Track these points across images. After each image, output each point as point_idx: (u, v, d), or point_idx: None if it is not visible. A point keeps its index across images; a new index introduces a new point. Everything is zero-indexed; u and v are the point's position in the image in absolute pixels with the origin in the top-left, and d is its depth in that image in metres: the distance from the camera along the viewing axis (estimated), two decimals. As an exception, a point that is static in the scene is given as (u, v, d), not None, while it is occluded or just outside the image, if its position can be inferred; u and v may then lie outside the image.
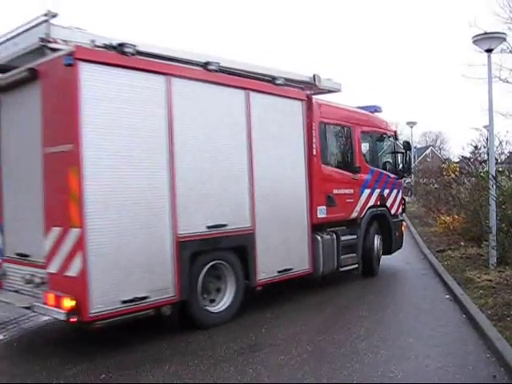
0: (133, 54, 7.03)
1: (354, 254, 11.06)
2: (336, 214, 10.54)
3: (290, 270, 9.23)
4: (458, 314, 8.49)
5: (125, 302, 6.64)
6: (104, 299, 6.43)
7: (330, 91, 10.99)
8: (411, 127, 37.91)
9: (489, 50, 11.38)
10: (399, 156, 13.24)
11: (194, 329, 7.73)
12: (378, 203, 11.94)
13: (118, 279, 6.60)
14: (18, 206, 7.50)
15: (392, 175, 12.60)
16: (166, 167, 7.28)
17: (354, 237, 11.12)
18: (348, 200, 10.95)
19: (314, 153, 9.95)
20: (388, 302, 9.77)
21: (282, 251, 9.11)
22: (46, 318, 8.06)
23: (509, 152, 15.66)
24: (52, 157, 6.69)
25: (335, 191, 10.47)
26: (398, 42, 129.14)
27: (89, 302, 6.27)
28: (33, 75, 6.90)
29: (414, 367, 6.15)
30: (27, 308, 7.04)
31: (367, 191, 11.55)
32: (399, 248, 13.13)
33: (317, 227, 10.02)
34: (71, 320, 6.25)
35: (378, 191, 11.92)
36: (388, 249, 12.60)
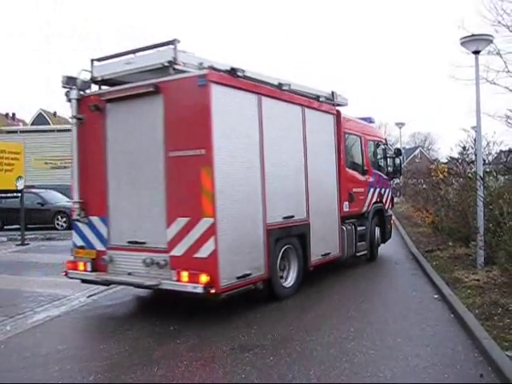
0: (241, 77, 8.63)
1: (364, 242, 13.21)
2: (354, 209, 12.64)
3: (328, 254, 11.21)
4: (447, 313, 8.54)
5: (238, 277, 8.14)
6: (226, 275, 7.86)
7: (339, 105, 12.43)
8: (400, 128, 38.12)
9: (476, 52, 11.46)
10: (390, 160, 15.66)
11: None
12: (378, 200, 14.20)
13: (233, 259, 8.06)
14: (130, 202, 8.67)
15: (385, 176, 15.00)
16: (260, 170, 8.91)
17: (364, 228, 13.20)
18: (361, 197, 13.12)
19: (341, 158, 12.01)
20: (377, 302, 9.83)
21: (324, 238, 11.01)
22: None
23: (496, 153, 15.75)
24: (178, 159, 8.02)
25: (354, 190, 12.61)
26: (386, 44, 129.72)
27: (219, 277, 7.70)
28: (156, 90, 8.17)
29: (403, 367, 6.17)
30: (154, 286, 8.17)
31: (372, 190, 13.81)
32: (389, 238, 15.38)
33: (342, 219, 11.89)
34: (210, 292, 7.59)
35: (378, 190, 14.21)
36: (382, 238, 14.81)
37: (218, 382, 5.97)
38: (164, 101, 8.20)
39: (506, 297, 8.55)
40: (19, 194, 18.68)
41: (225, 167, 8.00)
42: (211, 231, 7.72)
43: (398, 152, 16.38)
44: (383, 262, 14.22)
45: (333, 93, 12.07)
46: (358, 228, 12.75)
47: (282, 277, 9.69)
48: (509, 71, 13.96)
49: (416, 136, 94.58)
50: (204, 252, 7.76)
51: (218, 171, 7.82)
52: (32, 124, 70.40)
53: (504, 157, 17.51)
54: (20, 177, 18.64)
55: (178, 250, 8.00)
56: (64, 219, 22.77)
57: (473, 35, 11.53)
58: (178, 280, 7.83)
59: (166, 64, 8.13)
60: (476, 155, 12.21)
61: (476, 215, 11.52)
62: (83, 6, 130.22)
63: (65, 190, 25.64)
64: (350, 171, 12.57)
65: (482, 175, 11.35)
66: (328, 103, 11.78)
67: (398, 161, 16.08)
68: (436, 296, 9.72)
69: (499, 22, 13.95)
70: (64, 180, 34.63)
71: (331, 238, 11.43)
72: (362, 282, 11.57)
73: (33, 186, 27.16)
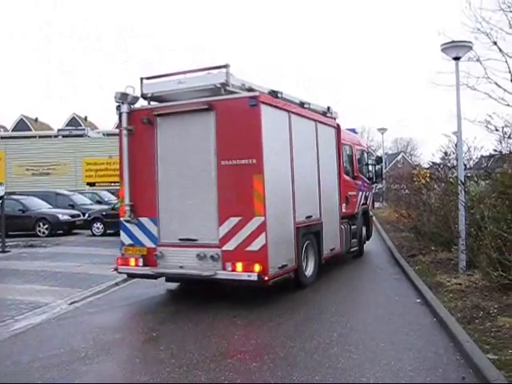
0: (280, 98, 10.42)
1: (356, 240, 14.76)
2: (349, 210, 14.28)
3: (334, 249, 12.81)
4: (429, 317, 8.58)
5: (279, 267, 9.68)
6: (272, 265, 9.37)
7: (333, 118, 13.92)
8: (382, 133, 38.37)
9: (456, 58, 11.56)
10: (372, 166, 17.65)
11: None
12: (364, 202, 16.07)
13: (276, 252, 9.55)
14: (180, 204, 9.92)
15: (368, 181, 16.82)
16: (290, 177, 10.48)
17: (356, 226, 14.76)
18: (354, 200, 14.82)
19: (340, 165, 13.72)
20: (360, 306, 9.87)
21: (331, 236, 12.56)
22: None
23: (477, 158, 15.91)
24: (231, 167, 9.40)
25: (349, 193, 14.23)
26: (369, 50, 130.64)
27: (268, 266, 9.19)
28: (209, 107, 9.53)
29: (386, 371, 6.18)
30: (210, 276, 9.40)
31: (360, 193, 15.60)
32: (371, 236, 17.23)
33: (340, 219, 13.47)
34: (266, 279, 9.09)
35: (364, 193, 16.07)
36: (367, 236, 16.70)
37: (224, 383, 5.96)
38: (216, 117, 9.56)
39: (487, 300, 8.63)
40: (0, 201, 18.45)
41: (270, 175, 9.43)
42: (262, 228, 9.20)
43: (379, 159, 18.96)
44: (366, 266, 14.29)
45: (328, 107, 13.47)
46: (352, 227, 14.32)
47: (304, 268, 11.10)
48: (489, 77, 14.06)
49: (398, 141, 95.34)
50: (255, 246, 9.19)
51: (266, 178, 9.28)
52: (13, 130, 69.78)
53: (485, 162, 17.67)
54: (0, 183, 18.47)
55: (230, 245, 9.37)
56: (46, 226, 22.57)
57: (453, 42, 11.64)
58: (233, 270, 9.21)
59: (219, 85, 9.59)
60: (457, 160, 12.31)
61: (457, 220, 11.60)
62: (82, 5, 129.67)
63: (46, 197, 25.46)
64: (346, 177, 14.30)
65: (463, 180, 11.45)
66: (329, 117, 13.45)
67: (378, 167, 18.27)
68: (418, 300, 9.77)
69: (478, 30, 14.07)
70: (46, 187, 34.45)
71: (335, 236, 13.03)
72: (345, 287, 11.59)
73: (13, 193, 26.93)
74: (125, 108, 10.27)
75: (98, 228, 22.53)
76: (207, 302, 9.90)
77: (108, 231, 22.40)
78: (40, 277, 12.98)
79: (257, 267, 9.04)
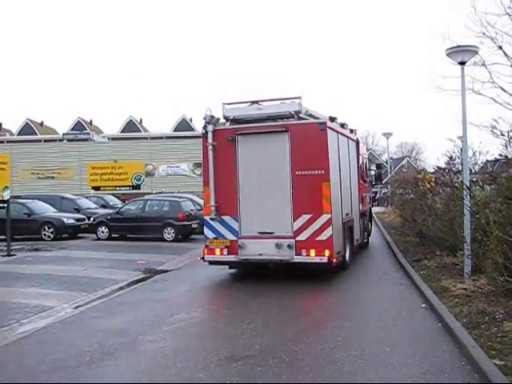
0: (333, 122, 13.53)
1: (366, 233, 18.36)
2: (363, 208, 17.41)
3: (358, 240, 15.70)
4: (434, 322, 8.56)
5: (337, 253, 12.33)
6: (335, 251, 12.11)
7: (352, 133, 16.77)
8: (387, 138, 38.29)
9: (462, 63, 11.53)
10: (373, 172, 21.64)
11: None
12: (369, 202, 19.57)
13: (336, 241, 12.30)
14: (259, 205, 12.38)
15: (370, 184, 20.70)
16: (339, 183, 13.22)
17: (366, 222, 17.87)
18: (366, 200, 18.11)
19: (359, 172, 16.44)
20: (365, 311, 9.84)
21: (356, 229, 15.43)
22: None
23: (482, 162, 15.84)
24: (303, 176, 12.05)
25: (363, 194, 17.30)
26: (375, 55, 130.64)
27: (334, 252, 11.96)
28: (283, 129, 12.20)
29: (392, 376, 6.18)
30: (289, 260, 12.09)
31: (367, 194, 18.95)
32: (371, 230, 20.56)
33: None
34: (333, 262, 11.84)
35: (369, 194, 19.52)
36: (370, 230, 20.04)
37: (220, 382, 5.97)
38: (290, 137, 12.15)
39: (493, 305, 8.59)
40: (5, 205, 18.49)
41: (332, 182, 12.22)
42: (329, 223, 11.93)
43: (378, 166, 23.42)
44: (371, 271, 14.24)
45: (330, 116, 13.90)
46: (364, 222, 17.47)
47: (346, 254, 13.58)
48: (494, 82, 14.06)
49: (403, 146, 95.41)
50: (324, 236, 11.87)
51: (331, 184, 12.11)
52: (19, 134, 70.02)
53: (490, 166, 17.60)
54: (6, 187, 18.49)
55: (302, 236, 11.99)
56: (51, 230, 22.58)
57: (458, 46, 11.61)
58: (307, 255, 11.89)
59: (293, 113, 12.40)
60: (462, 165, 12.28)
61: (463, 224, 11.56)
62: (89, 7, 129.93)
63: (51, 201, 25.50)
64: (361, 182, 16.96)
65: (468, 185, 11.41)
66: (352, 133, 16.19)
67: (377, 172, 22.39)
68: (424, 305, 9.74)
69: (484, 34, 14.06)
70: (51, 191, 34.55)
71: (358, 229, 15.79)
72: (350, 292, 11.57)
73: (19, 197, 26.98)
74: (210, 128, 12.64)
75: (103, 232, 22.53)
76: (219, 310, 9.87)
77: (113, 235, 22.44)
78: (45, 280, 13.00)
79: (327, 252, 11.79)
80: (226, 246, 12.63)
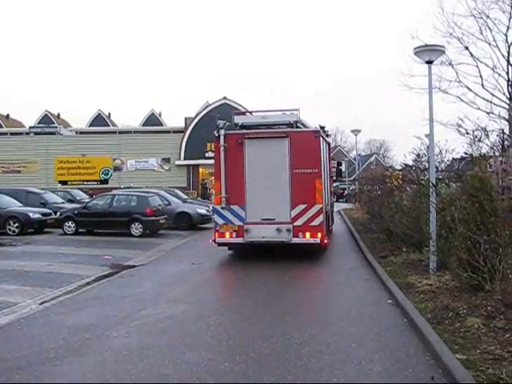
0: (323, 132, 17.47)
1: (332, 221, 20.88)
2: (331, 200, 20.63)
3: (330, 225, 19.13)
4: (400, 318, 8.67)
5: (325, 235, 15.20)
6: (325, 234, 14.93)
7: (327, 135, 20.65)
8: (356, 135, 38.57)
9: (429, 62, 11.68)
10: (335, 169, 25.32)
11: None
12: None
13: (324, 226, 15.05)
14: (262, 196, 14.86)
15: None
16: (324, 180, 15.82)
17: (331, 211, 20.54)
18: (332, 193, 21.15)
19: (331, 169, 19.79)
20: (332, 307, 9.93)
21: (330, 217, 19.05)
22: None
23: (448, 160, 16.07)
24: (300, 174, 14.63)
25: (331, 188, 20.32)
26: (343, 51, 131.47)
27: (324, 234, 14.77)
28: (285, 134, 14.85)
29: (357, 371, 6.24)
30: (288, 241, 14.69)
31: (333, 188, 22.59)
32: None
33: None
34: (324, 242, 14.68)
35: (332, 188, 22.81)
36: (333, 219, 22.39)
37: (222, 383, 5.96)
38: (289, 142, 14.84)
39: (457, 301, 8.72)
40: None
41: (322, 179, 15.28)
42: (320, 211, 14.73)
43: (339, 163, 28.19)
44: (338, 267, 14.37)
45: (323, 127, 17.57)
46: (332, 212, 20.96)
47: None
48: (460, 81, 14.34)
49: (372, 143, 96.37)
50: (316, 222, 14.64)
51: (322, 181, 15.14)
52: (-17, 127, 68.52)
53: (456, 164, 17.86)
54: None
55: (299, 222, 14.70)
56: (16, 224, 22.13)
57: (426, 45, 11.78)
58: (303, 237, 14.63)
59: (292, 122, 15.30)
60: (429, 163, 12.45)
61: (429, 221, 11.73)
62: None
63: (17, 195, 25.01)
64: (330, 180, 19.84)
65: (434, 182, 11.58)
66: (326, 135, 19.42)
67: (339, 169, 26.61)
68: (390, 301, 9.86)
69: (451, 34, 14.35)
70: (17, 184, 33.93)
71: (332, 216, 19.48)
72: (317, 288, 11.66)
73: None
74: (222, 132, 15.16)
75: (69, 227, 22.21)
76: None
77: (80, 230, 22.16)
78: (9, 276, 12.75)
79: (319, 235, 14.66)
80: (235, 231, 15.14)
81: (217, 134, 15.26)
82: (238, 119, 16.17)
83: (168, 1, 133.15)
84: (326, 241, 15.00)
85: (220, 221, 15.33)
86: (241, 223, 15.13)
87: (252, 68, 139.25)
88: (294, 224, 14.70)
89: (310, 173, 14.76)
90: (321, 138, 15.33)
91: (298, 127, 15.54)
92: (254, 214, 15.00)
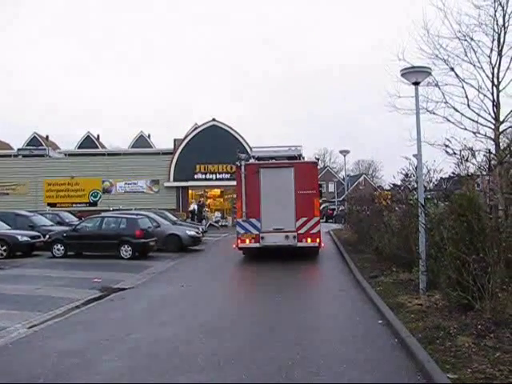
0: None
1: None
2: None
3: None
4: (391, 338, 8.67)
5: (322, 240, 20.51)
6: (321, 239, 20.24)
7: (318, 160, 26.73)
8: (344, 155, 38.72)
9: (416, 83, 11.83)
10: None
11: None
12: None
13: (321, 233, 20.23)
14: (274, 211, 19.38)
15: None
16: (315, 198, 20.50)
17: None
18: (319, 208, 22.82)
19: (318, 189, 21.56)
20: (323, 328, 9.89)
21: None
22: None
23: (436, 180, 16.20)
24: (302, 194, 19.46)
25: (318, 205, 21.05)
26: (333, 74, 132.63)
27: (321, 240, 20.22)
28: (291, 165, 19.90)
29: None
30: (294, 245, 19.54)
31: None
32: None
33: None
34: (321, 246, 20.14)
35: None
36: None
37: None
38: (294, 170, 19.73)
39: (447, 320, 8.76)
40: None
41: (318, 198, 20.44)
42: (318, 222, 19.76)
43: (319, 185, 27.58)
44: (329, 288, 14.37)
45: (315, 156, 25.35)
46: None
47: None
48: (447, 102, 14.49)
49: (360, 163, 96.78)
50: (315, 230, 19.61)
51: (319, 199, 20.49)
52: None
53: (444, 184, 17.99)
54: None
55: (302, 230, 19.53)
56: (4, 247, 21.94)
57: (413, 67, 11.94)
58: (306, 242, 19.50)
59: (297, 155, 20.77)
60: (417, 182, 12.54)
61: (418, 241, 11.78)
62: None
63: (5, 218, 24.85)
64: (319, 198, 21.78)
65: (423, 202, 11.65)
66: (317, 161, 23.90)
67: (320, 190, 26.20)
68: (380, 321, 9.86)
69: (437, 56, 14.53)
70: (5, 207, 33.74)
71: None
72: (308, 308, 11.63)
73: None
74: (243, 162, 20.12)
75: (58, 250, 22.06)
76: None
77: (69, 253, 22.01)
78: (-3, 300, 12.62)
79: (317, 240, 19.80)
80: (253, 238, 19.79)
81: (239, 164, 20.07)
82: (255, 153, 21.69)
83: (155, 21, 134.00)
84: (322, 244, 20.39)
85: (241, 230, 19.94)
86: (257, 232, 19.74)
87: (243, 92, 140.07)
88: (299, 232, 19.55)
89: (310, 194, 19.59)
90: (317, 166, 21.17)
91: (300, 159, 20.99)
92: (268, 224, 19.63)
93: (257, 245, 19.71)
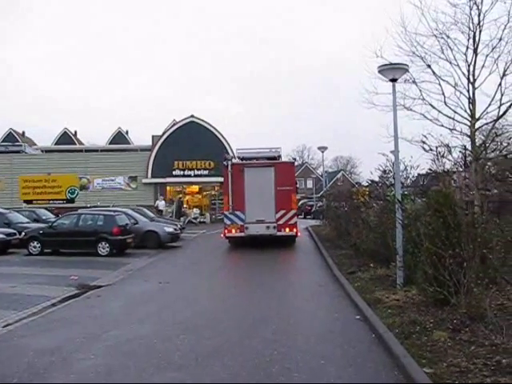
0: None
1: None
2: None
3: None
4: (368, 333, 8.73)
5: (299, 230, 24.16)
6: (298, 229, 23.67)
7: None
8: (322, 152, 38.92)
9: (393, 80, 11.91)
10: None
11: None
12: None
13: (298, 224, 23.70)
14: (256, 205, 22.20)
15: None
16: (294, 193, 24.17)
17: None
18: (296, 202, 26.46)
19: (296, 187, 24.86)
20: (300, 324, 9.90)
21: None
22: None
23: (413, 176, 16.34)
24: (282, 190, 22.35)
25: (295, 200, 24.23)
26: (310, 70, 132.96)
27: (298, 230, 23.61)
28: (272, 164, 23.10)
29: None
30: (274, 234, 22.51)
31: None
32: None
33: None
34: (297, 234, 23.40)
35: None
36: None
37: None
38: (275, 169, 22.63)
39: (424, 315, 8.85)
40: None
41: (295, 193, 23.54)
42: (295, 215, 22.99)
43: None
44: (307, 283, 14.41)
45: (294, 158, 31.75)
46: None
47: None
48: (424, 99, 14.58)
49: (338, 160, 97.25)
50: (293, 221, 22.59)
51: (295, 195, 23.63)
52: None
53: (422, 180, 18.15)
54: None
55: (281, 221, 22.34)
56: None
57: (390, 64, 12.02)
58: (284, 231, 22.38)
59: (277, 156, 24.35)
60: (394, 179, 12.63)
61: (395, 237, 11.87)
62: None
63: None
64: (296, 193, 24.61)
65: (400, 198, 11.74)
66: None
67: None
68: (358, 317, 9.91)
69: (414, 53, 14.61)
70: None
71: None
72: (286, 304, 11.66)
73: None
74: (230, 162, 23.18)
75: (34, 247, 21.81)
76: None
77: (46, 250, 21.78)
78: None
79: (294, 230, 22.62)
80: (238, 228, 22.52)
81: (226, 164, 23.13)
82: (240, 153, 24.90)
83: (139, 14, 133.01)
84: (299, 233, 23.71)
85: (228, 222, 22.76)
86: (242, 223, 22.50)
87: (223, 91, 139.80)
88: (278, 223, 22.34)
89: (288, 190, 22.51)
90: (294, 166, 25.95)
91: (279, 159, 24.50)
92: (251, 216, 22.35)
93: (242, 234, 22.51)
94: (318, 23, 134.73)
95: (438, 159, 11.52)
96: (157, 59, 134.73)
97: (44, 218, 28.83)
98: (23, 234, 22.64)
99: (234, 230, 22.53)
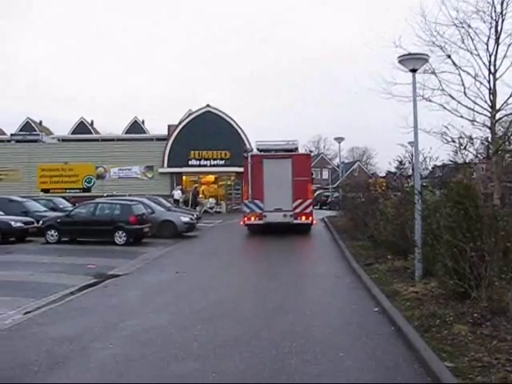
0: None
1: None
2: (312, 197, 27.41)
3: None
4: (387, 326, 8.65)
5: (314, 219, 25.47)
6: (314, 218, 25.05)
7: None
8: (339, 142, 38.59)
9: (413, 70, 11.75)
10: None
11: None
12: None
13: (313, 212, 25.56)
14: (275, 194, 23.56)
15: None
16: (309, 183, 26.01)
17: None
18: (312, 192, 28.01)
19: (312, 178, 27.03)
20: (318, 316, 9.84)
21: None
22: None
23: (429, 167, 16.17)
24: (299, 180, 23.77)
25: (311, 189, 26.07)
26: (326, 60, 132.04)
27: (314, 218, 24.96)
28: (289, 156, 24.54)
29: (346, 381, 6.19)
30: (291, 222, 23.87)
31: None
32: None
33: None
34: (313, 223, 24.79)
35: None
36: None
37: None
38: (292, 161, 24.17)
39: (444, 308, 8.73)
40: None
41: (311, 183, 25.59)
42: (311, 204, 24.72)
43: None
44: (324, 274, 14.32)
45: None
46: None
47: None
48: (443, 89, 14.42)
49: (354, 150, 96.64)
50: (308, 210, 24.18)
51: (311, 185, 25.72)
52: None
53: (438, 171, 17.98)
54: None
55: (297, 210, 23.80)
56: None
57: (410, 54, 11.85)
58: (301, 220, 23.84)
59: (294, 148, 25.77)
60: (413, 170, 12.49)
61: (414, 229, 11.75)
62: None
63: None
64: (312, 183, 26.44)
65: (419, 189, 11.61)
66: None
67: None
68: (376, 309, 9.84)
69: (433, 43, 14.44)
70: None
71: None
72: (303, 296, 11.61)
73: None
74: (250, 154, 24.48)
75: (52, 236, 21.97)
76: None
77: (63, 239, 21.92)
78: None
79: (310, 218, 24.07)
80: (257, 216, 23.87)
81: (246, 155, 24.52)
82: (259, 145, 26.00)
83: (151, 7, 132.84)
84: (314, 222, 24.88)
85: (247, 210, 24.18)
86: (261, 211, 23.85)
87: (238, 82, 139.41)
88: (295, 211, 23.69)
89: (304, 180, 23.84)
90: (311, 158, 27.66)
91: (296, 151, 25.92)
92: (269, 205, 23.67)
93: (260, 222, 23.91)
94: (332, 10, 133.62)
95: (459, 150, 11.36)
96: (157, 59, 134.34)
97: (61, 206, 29.02)
98: (41, 222, 22.79)
99: (253, 218, 23.83)
